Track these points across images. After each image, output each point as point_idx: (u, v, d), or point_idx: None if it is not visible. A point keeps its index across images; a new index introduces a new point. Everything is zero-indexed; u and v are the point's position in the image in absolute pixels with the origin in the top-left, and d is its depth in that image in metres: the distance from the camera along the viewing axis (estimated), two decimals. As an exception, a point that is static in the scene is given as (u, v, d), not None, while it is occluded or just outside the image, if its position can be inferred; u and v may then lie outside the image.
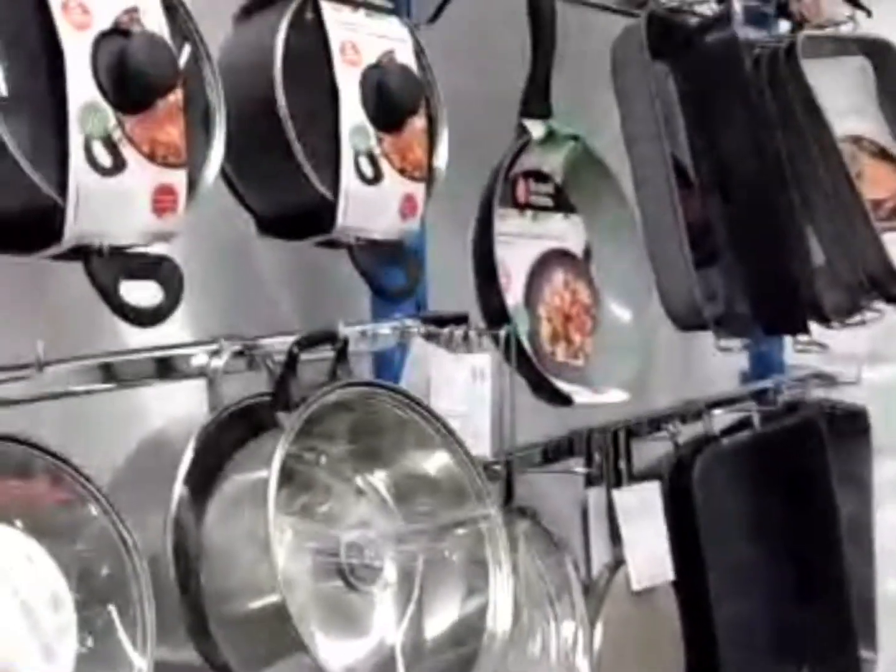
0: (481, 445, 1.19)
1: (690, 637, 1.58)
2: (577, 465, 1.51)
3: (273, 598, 0.92)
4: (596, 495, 1.48)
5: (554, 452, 1.51)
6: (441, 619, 1.09)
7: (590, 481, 1.50)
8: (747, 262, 1.57)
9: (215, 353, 1.05)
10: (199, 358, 1.06)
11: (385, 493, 1.08)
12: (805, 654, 1.81)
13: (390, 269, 1.16)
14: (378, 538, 1.04)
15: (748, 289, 1.57)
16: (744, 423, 1.79)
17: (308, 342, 1.01)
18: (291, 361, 1.00)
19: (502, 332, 1.21)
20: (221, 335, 1.06)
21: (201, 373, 1.05)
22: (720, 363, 2.02)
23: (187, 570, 0.97)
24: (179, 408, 1.12)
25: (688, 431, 1.72)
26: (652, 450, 1.70)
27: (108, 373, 1.04)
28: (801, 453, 1.78)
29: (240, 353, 1.06)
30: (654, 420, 1.65)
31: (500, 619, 1.07)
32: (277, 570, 0.91)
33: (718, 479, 1.67)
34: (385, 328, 1.25)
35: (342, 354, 1.02)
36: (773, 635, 1.77)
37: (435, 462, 1.08)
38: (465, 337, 1.21)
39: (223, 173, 1.11)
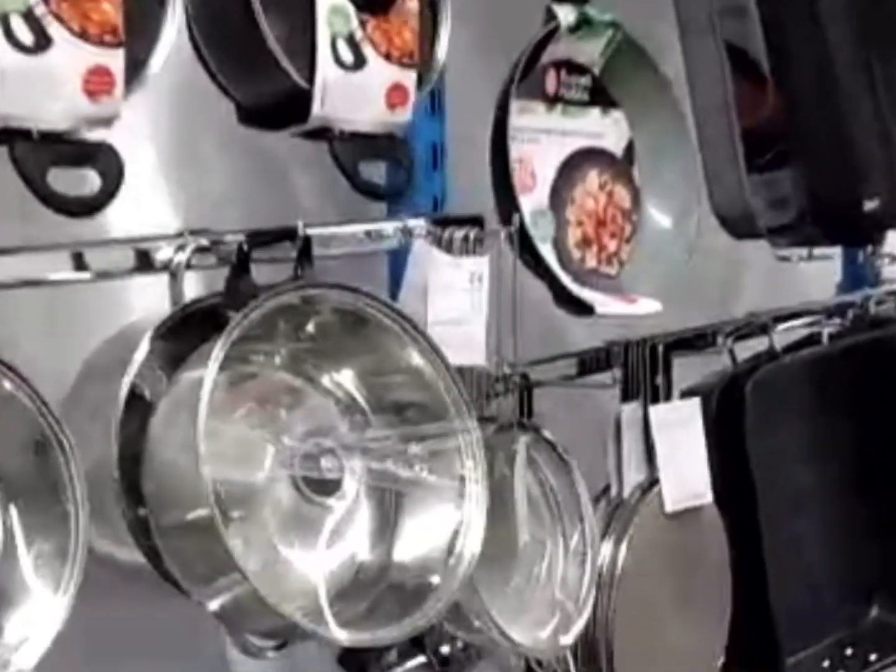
0: (476, 354, 1.12)
1: (738, 568, 1.50)
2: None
3: (203, 512, 0.87)
4: (630, 411, 1.40)
5: (590, 365, 1.44)
6: (414, 538, 1.03)
7: (626, 397, 1.42)
8: (811, 163, 1.45)
9: (180, 248, 1.00)
10: (165, 252, 1.01)
11: (356, 394, 1.02)
12: (874, 591, 1.71)
13: (377, 165, 1.09)
14: (338, 447, 0.98)
15: (811, 193, 1.45)
16: (815, 339, 1.68)
17: (261, 239, 0.95)
18: (242, 258, 0.94)
19: (502, 233, 1.13)
20: (188, 229, 1.01)
21: (165, 267, 1.00)
22: (815, 276, 1.91)
23: (132, 476, 0.93)
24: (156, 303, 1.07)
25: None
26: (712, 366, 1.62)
27: (80, 263, 1.00)
28: (875, 374, 1.66)
29: (206, 249, 1.01)
30: (705, 334, 1.56)
31: (469, 542, 1.01)
32: (207, 483, 0.86)
33: (775, 397, 1.57)
34: (389, 227, 1.18)
35: (304, 253, 0.96)
36: (836, 569, 1.67)
37: (410, 370, 1.02)
38: (466, 239, 1.13)
39: (203, 61, 1.06)
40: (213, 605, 0.93)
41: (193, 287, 1.03)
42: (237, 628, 0.99)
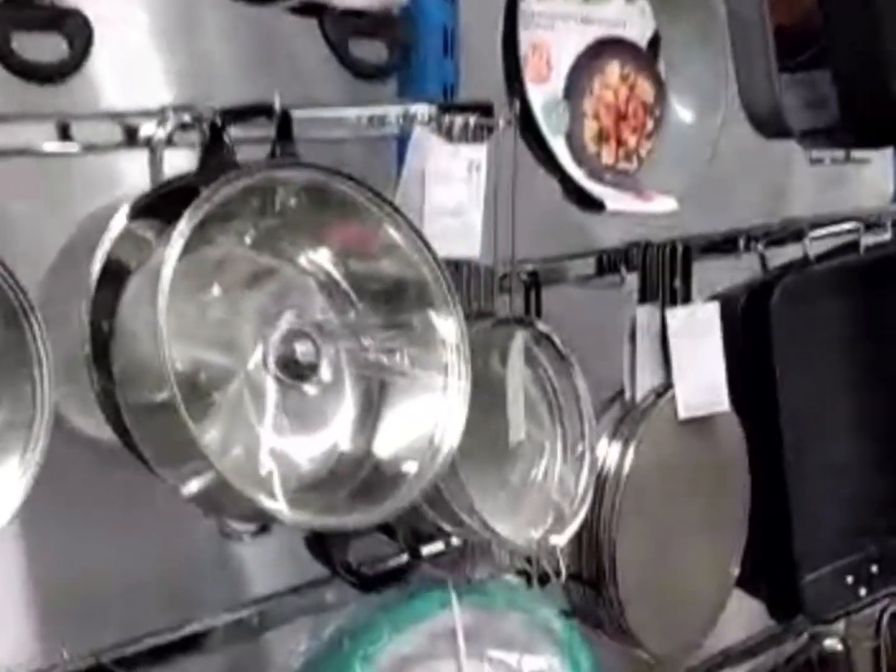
0: (472, 246, 1.09)
1: (759, 479, 1.46)
2: (633, 282, 1.39)
3: (165, 395, 0.85)
4: (647, 314, 1.36)
5: (608, 266, 1.40)
6: (395, 429, 1.00)
7: (644, 300, 1.38)
8: (844, 61, 1.38)
9: (160, 123, 0.97)
10: (148, 127, 0.98)
11: (338, 277, 0.98)
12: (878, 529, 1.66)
13: (375, 45, 1.05)
14: (317, 331, 0.96)
15: (843, 91, 1.38)
16: (853, 249, 1.62)
17: (236, 114, 0.91)
18: (216, 134, 0.91)
19: (501, 120, 1.09)
20: (171, 105, 0.98)
21: (146, 143, 0.97)
22: (868, 186, 1.84)
23: (102, 353, 0.92)
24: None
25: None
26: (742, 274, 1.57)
27: (65, 134, 0.98)
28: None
29: (189, 126, 0.98)
30: (735, 239, 1.50)
31: (449, 434, 0.98)
32: (167, 363, 0.84)
33: (806, 306, 1.51)
34: (390, 112, 1.14)
35: (282, 131, 0.93)
36: (866, 485, 1.62)
37: (391, 254, 0.98)
38: (466, 126, 1.09)
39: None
40: (185, 489, 0.92)
41: (184, 164, 1.00)
42: (212, 512, 0.97)
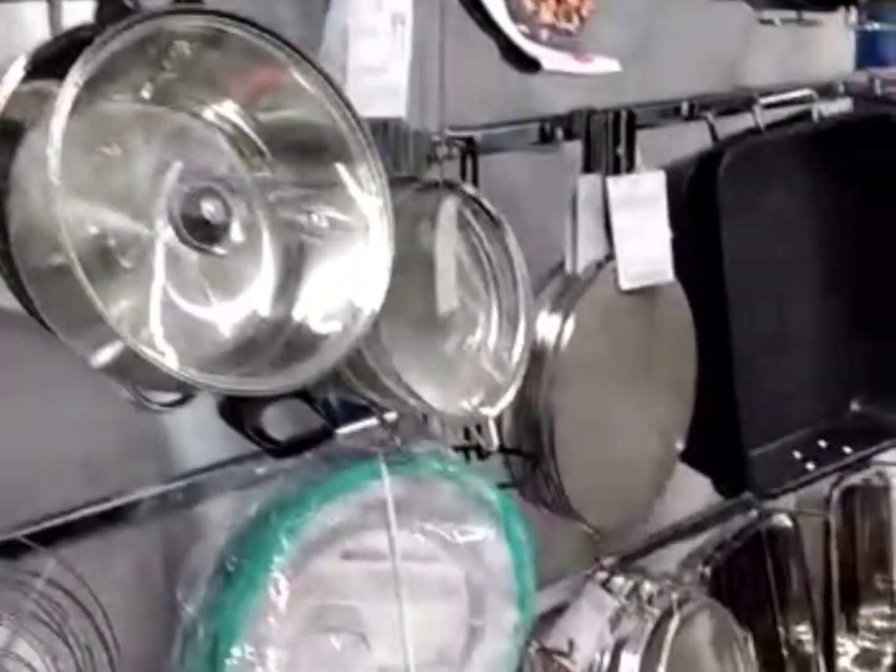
0: (397, 104, 1.04)
1: (705, 354, 1.43)
2: (574, 151, 1.35)
3: (61, 258, 0.80)
4: (589, 183, 1.31)
5: (550, 135, 1.35)
6: (315, 293, 0.96)
7: (587, 168, 1.34)
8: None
9: (58, -28, 0.91)
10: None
11: (248, 130, 0.93)
12: (854, 385, 1.64)
13: None
14: (226, 188, 0.91)
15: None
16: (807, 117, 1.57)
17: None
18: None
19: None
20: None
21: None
22: (829, 52, 1.79)
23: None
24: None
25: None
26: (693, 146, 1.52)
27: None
28: (866, 157, 1.55)
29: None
30: (680, 107, 1.45)
31: (369, 298, 0.94)
32: (60, 223, 0.79)
33: (756, 176, 1.47)
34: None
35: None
36: (814, 361, 1.60)
37: (304, 108, 0.92)
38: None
39: None
40: (94, 359, 0.88)
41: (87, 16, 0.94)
42: (125, 382, 0.94)
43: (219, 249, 0.91)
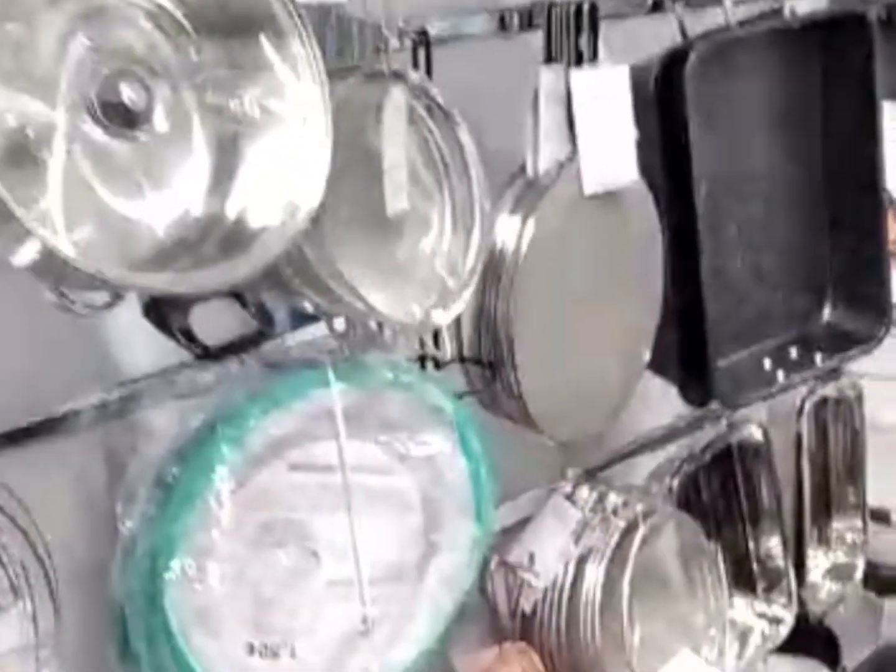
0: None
1: (672, 259, 1.37)
2: (536, 43, 1.28)
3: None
4: (550, 76, 1.24)
5: (509, 25, 1.28)
6: (250, 188, 0.90)
7: (549, 60, 1.27)
8: None
9: None
10: None
11: (168, 6, 0.85)
12: (827, 291, 1.59)
13: None
14: (145, 70, 0.84)
15: None
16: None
17: None
18: None
19: None
20: None
21: None
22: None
23: None
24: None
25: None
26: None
27: None
28: (843, 51, 1.49)
29: None
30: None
31: (307, 193, 0.88)
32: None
33: (724, 72, 1.41)
34: None
35: None
36: (785, 266, 1.54)
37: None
38: None
39: None
40: (14, 259, 0.82)
41: None
42: (47, 282, 0.88)
43: (142, 136, 0.84)
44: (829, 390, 1.76)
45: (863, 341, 1.53)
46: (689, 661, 1.44)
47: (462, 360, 1.26)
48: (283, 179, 0.88)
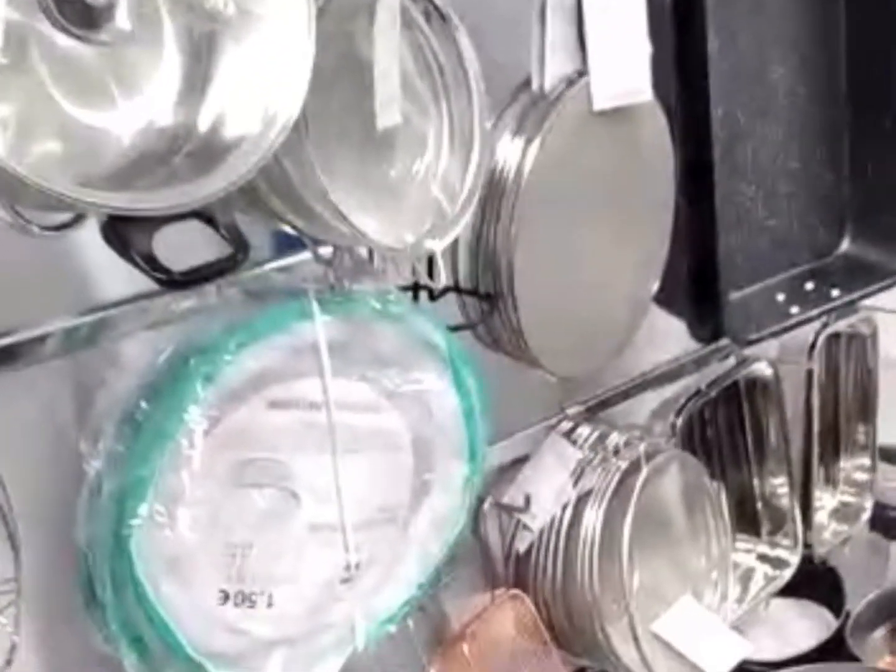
0: None
1: (685, 182, 1.28)
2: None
3: None
4: (559, -14, 1.15)
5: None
6: (223, 96, 0.80)
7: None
8: None
9: None
10: None
11: None
12: (847, 222, 1.49)
13: None
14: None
15: None
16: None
17: None
18: None
19: None
20: None
21: None
22: None
23: None
24: None
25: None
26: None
27: None
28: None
29: None
30: None
31: (286, 101, 0.78)
32: None
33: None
34: None
35: None
36: (803, 194, 1.45)
37: None
38: None
39: None
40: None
41: None
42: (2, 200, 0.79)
43: (105, 37, 0.75)
44: (843, 325, 1.68)
45: (882, 276, 1.45)
46: (689, 609, 1.38)
47: (458, 290, 1.18)
48: (260, 86, 0.78)
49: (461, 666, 1.19)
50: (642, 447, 1.31)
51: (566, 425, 1.33)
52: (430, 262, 1.10)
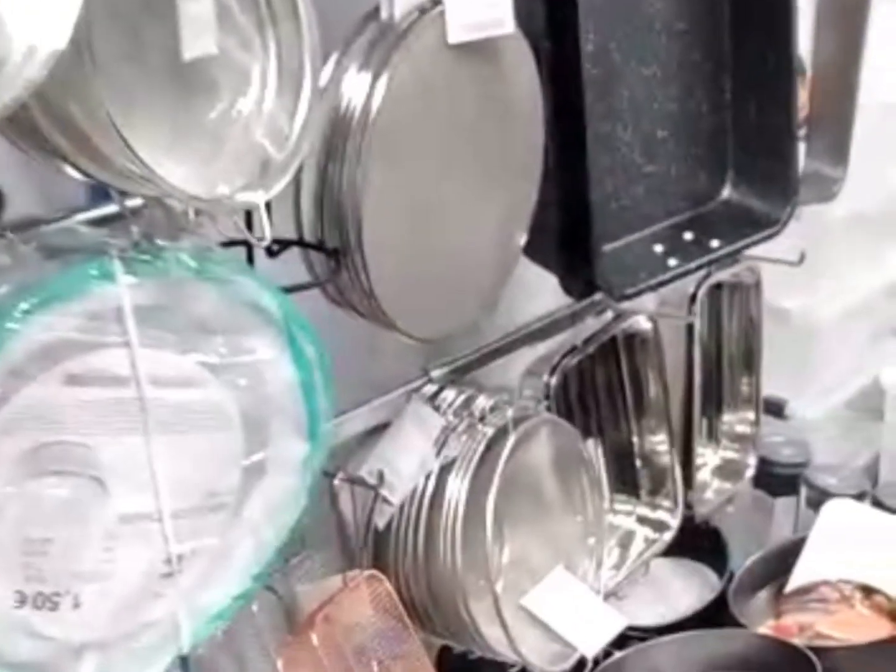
0: None
1: (555, 124, 1.15)
2: None
3: None
4: None
5: None
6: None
7: None
8: None
9: None
10: None
11: None
12: (727, 171, 1.38)
13: None
14: None
15: None
16: None
17: None
18: None
19: None
20: None
21: None
22: None
23: None
24: None
25: None
26: None
27: None
28: None
29: None
30: None
31: (49, 29, 0.62)
32: None
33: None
34: None
35: None
36: (681, 138, 1.32)
37: None
38: None
39: None
40: None
41: None
42: None
43: None
44: (725, 275, 1.57)
45: (765, 225, 1.33)
46: (562, 581, 1.26)
47: (301, 245, 1.04)
48: (17, 13, 0.63)
49: (309, 655, 1.06)
50: (510, 412, 1.18)
51: (430, 389, 1.21)
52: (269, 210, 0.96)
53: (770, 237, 1.32)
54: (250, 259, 0.97)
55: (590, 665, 1.25)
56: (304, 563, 1.13)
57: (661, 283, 1.26)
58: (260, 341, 0.90)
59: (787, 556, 1.57)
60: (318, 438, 0.94)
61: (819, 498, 1.62)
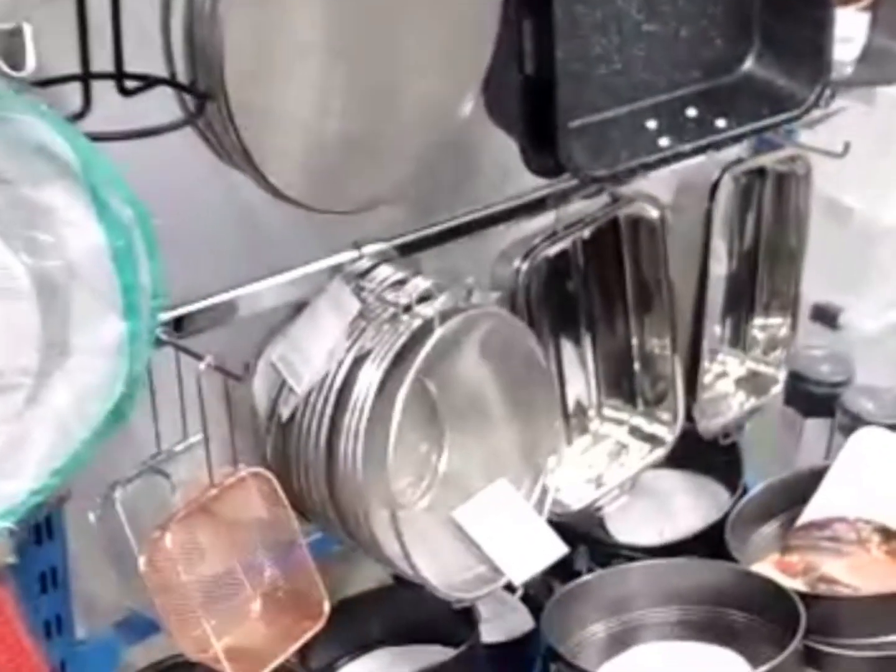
0: None
1: None
2: None
3: None
4: None
5: None
6: None
7: None
8: None
9: None
10: None
11: None
12: (752, 25, 1.10)
13: None
14: None
15: None
16: None
17: None
18: None
19: None
20: None
21: None
22: None
23: None
24: None
25: None
26: None
27: None
28: None
29: None
30: None
31: None
32: None
33: None
34: None
35: None
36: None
37: None
38: None
39: None
40: None
41: None
42: None
43: None
44: (768, 161, 1.32)
45: (790, 106, 1.08)
46: (501, 496, 1.07)
47: (172, 84, 0.85)
48: None
49: (166, 558, 0.91)
50: (438, 302, 0.99)
51: (357, 267, 1.02)
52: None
53: (791, 120, 1.07)
54: (87, 102, 0.79)
55: (520, 591, 1.07)
56: (192, 449, 0.98)
57: (646, 166, 1.03)
58: (59, 198, 0.72)
59: (805, 485, 1.34)
60: (137, 317, 0.77)
61: (852, 424, 1.38)
